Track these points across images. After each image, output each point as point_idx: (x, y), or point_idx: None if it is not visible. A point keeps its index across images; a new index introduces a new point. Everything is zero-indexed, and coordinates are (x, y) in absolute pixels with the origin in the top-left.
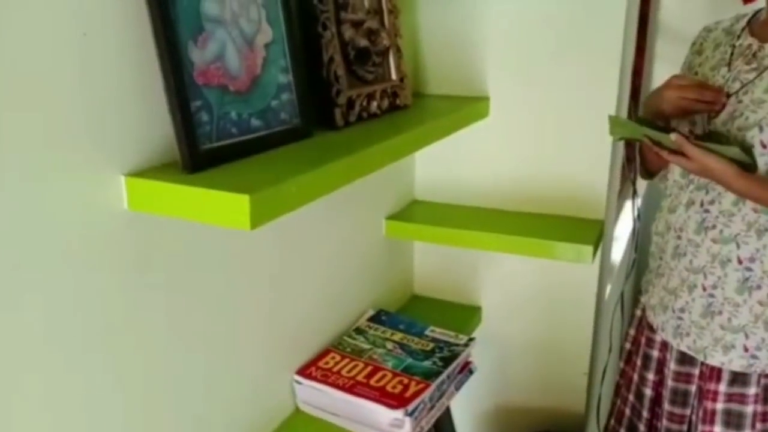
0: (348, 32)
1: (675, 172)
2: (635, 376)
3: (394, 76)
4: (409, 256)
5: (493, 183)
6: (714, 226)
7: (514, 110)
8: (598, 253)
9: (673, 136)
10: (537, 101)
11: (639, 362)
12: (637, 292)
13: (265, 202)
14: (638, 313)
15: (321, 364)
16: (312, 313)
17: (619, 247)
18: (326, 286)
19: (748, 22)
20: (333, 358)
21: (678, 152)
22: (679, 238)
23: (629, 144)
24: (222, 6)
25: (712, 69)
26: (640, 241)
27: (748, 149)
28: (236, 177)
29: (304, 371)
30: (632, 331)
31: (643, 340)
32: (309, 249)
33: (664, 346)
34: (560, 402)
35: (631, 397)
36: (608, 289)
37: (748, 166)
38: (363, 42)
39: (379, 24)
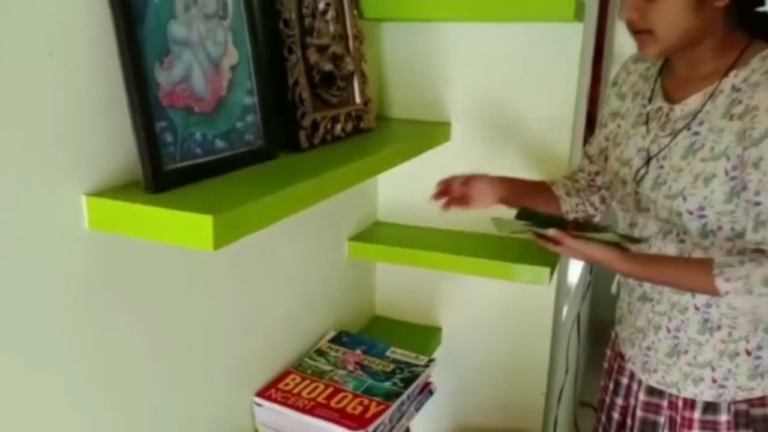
0: (313, 56)
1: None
2: (607, 399)
3: (358, 99)
4: (371, 277)
5: None
6: None
7: (474, 135)
8: (555, 274)
9: (550, 232)
10: (497, 127)
11: (611, 386)
12: (595, 313)
13: (228, 223)
14: (613, 335)
15: (281, 385)
16: (273, 335)
17: (575, 270)
18: (288, 308)
19: (660, 71)
20: (293, 379)
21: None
22: (640, 286)
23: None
24: (189, 28)
25: (633, 126)
26: (595, 264)
27: (622, 234)
28: (200, 197)
29: (263, 393)
30: (609, 352)
31: (616, 366)
32: (271, 270)
33: (633, 374)
34: (519, 422)
35: (603, 418)
36: (565, 310)
37: (627, 247)
38: (328, 66)
39: (344, 49)
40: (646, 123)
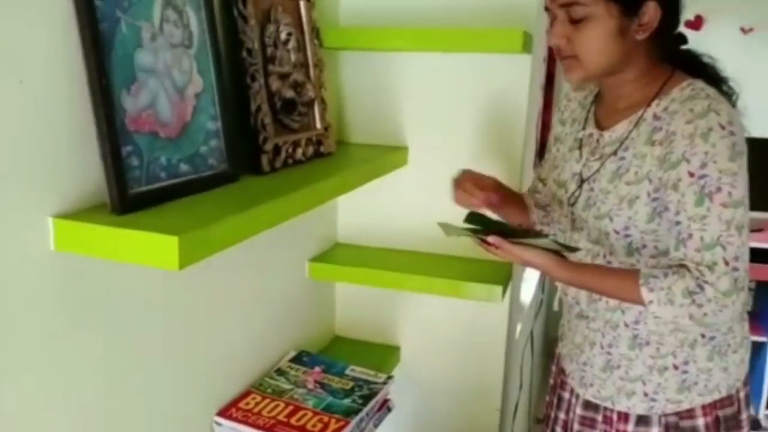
0: (275, 84)
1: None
2: (552, 413)
3: (318, 125)
4: (331, 298)
5: (412, 226)
6: (600, 298)
7: (430, 160)
8: (508, 293)
9: (490, 239)
10: (451, 152)
11: (555, 401)
12: (548, 330)
13: (192, 243)
14: (557, 351)
15: (242, 404)
16: (234, 354)
17: (529, 288)
18: (249, 327)
19: (595, 98)
20: (254, 398)
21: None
22: (577, 304)
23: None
24: (155, 57)
25: (569, 151)
26: (546, 282)
27: (560, 243)
28: (165, 219)
29: (224, 412)
30: (553, 368)
31: (558, 381)
32: (232, 291)
33: (573, 389)
34: None
35: None
36: (519, 328)
37: (564, 255)
38: (289, 93)
39: (305, 77)
40: (580, 148)
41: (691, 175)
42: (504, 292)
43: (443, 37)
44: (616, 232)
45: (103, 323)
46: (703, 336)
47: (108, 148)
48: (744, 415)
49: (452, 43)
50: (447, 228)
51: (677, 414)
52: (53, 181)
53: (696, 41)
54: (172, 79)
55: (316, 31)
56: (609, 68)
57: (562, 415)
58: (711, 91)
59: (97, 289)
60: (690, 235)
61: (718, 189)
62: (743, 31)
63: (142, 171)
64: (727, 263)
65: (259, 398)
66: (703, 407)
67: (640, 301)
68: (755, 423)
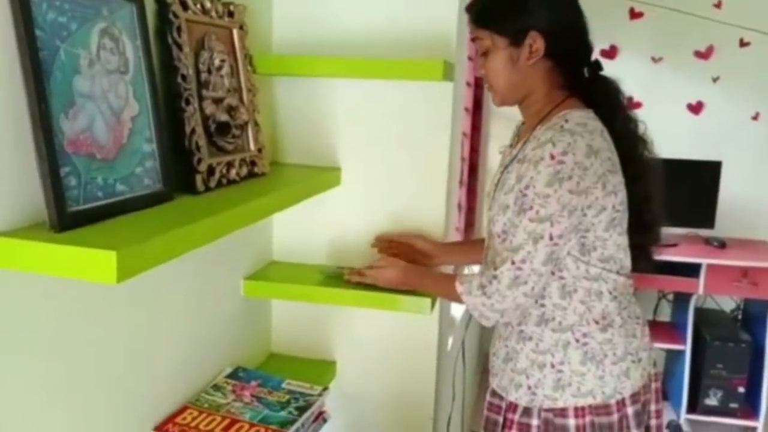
0: (209, 107)
1: None
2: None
3: (252, 146)
4: (267, 315)
5: (345, 243)
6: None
7: (362, 180)
8: (437, 306)
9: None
10: (381, 172)
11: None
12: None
13: (130, 258)
14: None
15: (178, 420)
16: (170, 370)
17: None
18: (185, 344)
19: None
20: (190, 413)
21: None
22: None
23: None
24: (92, 83)
25: (499, 167)
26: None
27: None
28: (102, 236)
29: (161, 428)
30: None
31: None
32: (169, 308)
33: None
34: None
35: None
36: (450, 340)
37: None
38: (223, 116)
39: (239, 101)
40: (505, 167)
41: (520, 192)
42: (432, 305)
43: (370, 66)
44: (498, 235)
45: (38, 340)
46: (577, 340)
47: (47, 168)
48: None
49: (376, 71)
50: (323, 269)
51: (552, 411)
52: None
53: (610, 69)
54: (109, 103)
55: (249, 58)
56: (516, 93)
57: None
58: (572, 124)
59: (32, 306)
60: (507, 239)
61: (531, 207)
62: (653, 60)
63: (79, 190)
64: (513, 263)
65: (195, 413)
66: (576, 409)
67: (457, 295)
68: (677, 428)
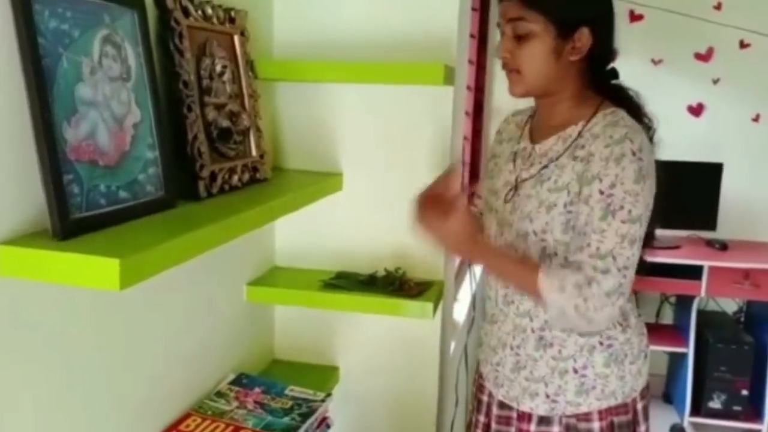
0: (211, 114)
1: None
2: (473, 417)
3: (254, 152)
4: (270, 321)
5: (348, 248)
6: (512, 302)
7: (364, 185)
8: (439, 310)
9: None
10: (383, 177)
11: (475, 404)
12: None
13: (133, 266)
14: (477, 357)
15: (182, 427)
16: (173, 377)
17: (462, 307)
18: (188, 351)
19: (529, 118)
20: (194, 420)
21: None
22: (495, 305)
23: None
24: (95, 90)
25: (505, 164)
26: (478, 300)
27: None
28: (105, 243)
29: None
30: (475, 376)
31: (477, 385)
32: (172, 315)
33: (491, 392)
34: None
35: None
36: (452, 345)
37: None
38: (225, 122)
39: (240, 107)
40: (514, 160)
41: (601, 192)
42: (435, 309)
43: (371, 71)
44: (534, 233)
45: (40, 348)
46: (601, 343)
47: (49, 176)
48: (642, 428)
49: (379, 76)
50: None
51: (576, 416)
52: None
53: None
54: (111, 110)
55: (250, 64)
56: (547, 86)
57: (482, 418)
58: (630, 121)
59: (35, 313)
60: (589, 244)
61: (621, 207)
62: (654, 62)
63: (82, 198)
64: (618, 270)
65: (199, 420)
66: (600, 412)
67: (535, 287)
68: (680, 429)
